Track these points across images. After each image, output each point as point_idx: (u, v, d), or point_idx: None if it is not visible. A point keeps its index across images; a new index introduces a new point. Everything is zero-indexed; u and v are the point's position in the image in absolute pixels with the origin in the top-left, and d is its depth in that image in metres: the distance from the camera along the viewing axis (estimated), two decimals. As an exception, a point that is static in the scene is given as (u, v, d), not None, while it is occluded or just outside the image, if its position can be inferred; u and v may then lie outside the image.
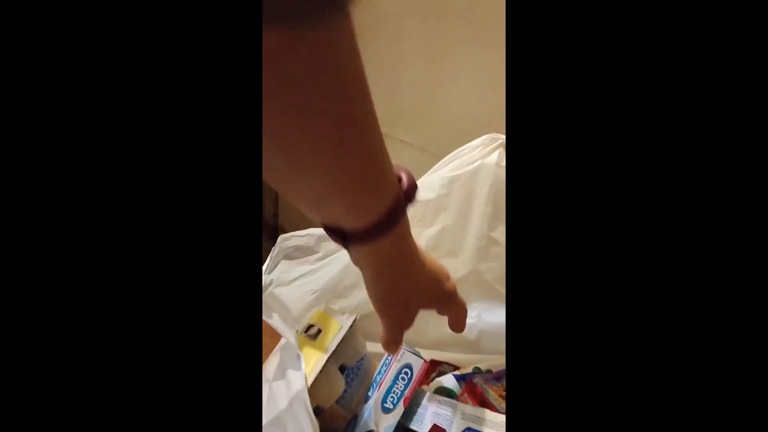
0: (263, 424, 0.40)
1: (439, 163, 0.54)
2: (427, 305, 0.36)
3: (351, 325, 0.49)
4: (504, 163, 0.52)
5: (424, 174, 0.55)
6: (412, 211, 0.29)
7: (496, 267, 0.55)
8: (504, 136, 0.53)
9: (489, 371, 0.56)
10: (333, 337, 0.48)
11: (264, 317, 0.42)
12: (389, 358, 0.49)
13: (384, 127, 0.25)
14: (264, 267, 0.48)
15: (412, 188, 0.29)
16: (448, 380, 0.53)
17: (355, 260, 0.32)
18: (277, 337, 0.45)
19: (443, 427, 0.44)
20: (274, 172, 0.25)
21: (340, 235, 0.29)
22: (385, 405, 0.46)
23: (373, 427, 0.45)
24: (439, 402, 0.46)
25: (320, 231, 0.49)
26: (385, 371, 0.49)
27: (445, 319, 0.39)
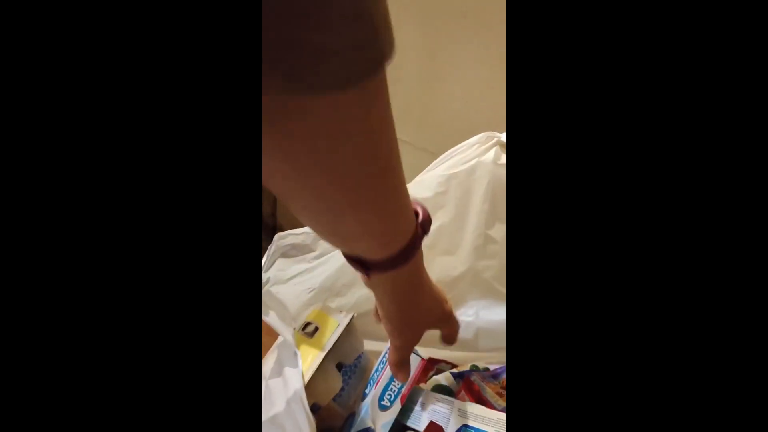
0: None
1: (436, 161, 0.55)
2: (433, 325, 0.41)
3: (348, 323, 0.49)
4: (501, 161, 0.52)
5: (421, 172, 0.55)
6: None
7: (493, 265, 0.55)
8: (500, 134, 0.53)
9: (486, 369, 0.56)
10: (330, 334, 0.48)
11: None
12: (386, 355, 0.49)
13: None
14: (261, 265, 0.48)
15: (427, 220, 0.33)
16: (446, 378, 0.53)
17: (373, 285, 0.34)
18: (274, 335, 0.46)
19: (440, 424, 0.44)
20: (310, 213, 0.27)
21: (361, 264, 0.31)
22: (382, 402, 0.46)
23: (370, 424, 0.45)
24: (436, 399, 0.46)
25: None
26: (382, 369, 0.49)
27: None
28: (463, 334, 0.54)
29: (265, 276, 0.47)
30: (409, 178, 0.56)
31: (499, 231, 0.54)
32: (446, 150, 0.55)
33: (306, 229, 0.49)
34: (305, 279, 0.50)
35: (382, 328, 0.55)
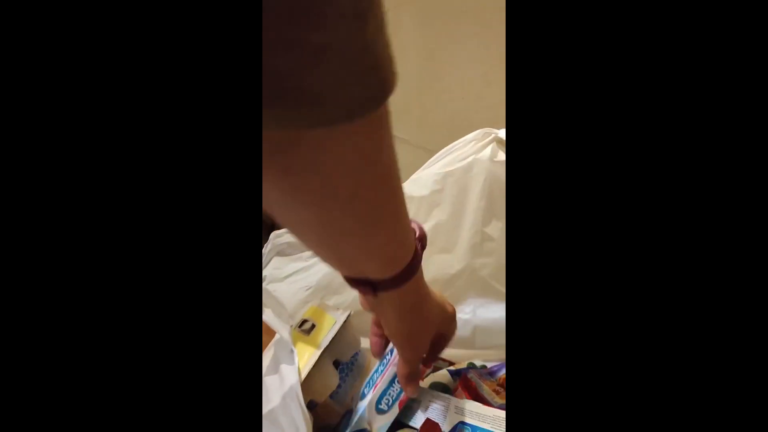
0: (257, 418, 0.41)
1: (432, 158, 0.55)
2: (438, 331, 0.41)
3: (345, 321, 0.49)
4: (497, 158, 0.52)
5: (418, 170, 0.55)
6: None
7: (490, 262, 0.55)
8: (497, 131, 0.53)
9: (483, 366, 0.56)
10: (327, 332, 0.48)
11: (257, 312, 0.43)
12: (387, 358, 0.49)
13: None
14: (257, 263, 0.48)
15: (423, 235, 0.34)
16: (443, 375, 0.53)
17: (377, 304, 0.35)
18: (270, 332, 0.46)
19: (436, 421, 0.44)
20: (315, 239, 0.28)
21: (367, 285, 0.32)
22: (380, 406, 0.46)
23: (366, 426, 0.45)
24: (433, 396, 0.46)
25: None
26: (382, 371, 0.49)
27: None
28: (460, 331, 0.54)
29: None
30: (406, 176, 0.56)
31: (496, 228, 0.54)
32: (443, 147, 0.55)
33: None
34: (302, 277, 0.50)
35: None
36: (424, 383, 0.52)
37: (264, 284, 0.47)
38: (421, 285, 0.36)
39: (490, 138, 0.53)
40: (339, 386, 0.48)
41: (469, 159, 0.52)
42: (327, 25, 0.18)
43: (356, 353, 0.52)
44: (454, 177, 0.53)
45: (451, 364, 0.57)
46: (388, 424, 0.44)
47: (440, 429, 0.44)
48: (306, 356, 0.46)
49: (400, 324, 0.37)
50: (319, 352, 0.46)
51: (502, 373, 0.54)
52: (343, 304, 0.52)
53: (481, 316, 0.56)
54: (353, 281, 0.33)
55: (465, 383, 0.51)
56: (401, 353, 0.40)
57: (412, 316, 0.36)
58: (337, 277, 0.55)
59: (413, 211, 0.54)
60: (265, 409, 0.40)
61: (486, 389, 0.50)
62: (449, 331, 0.44)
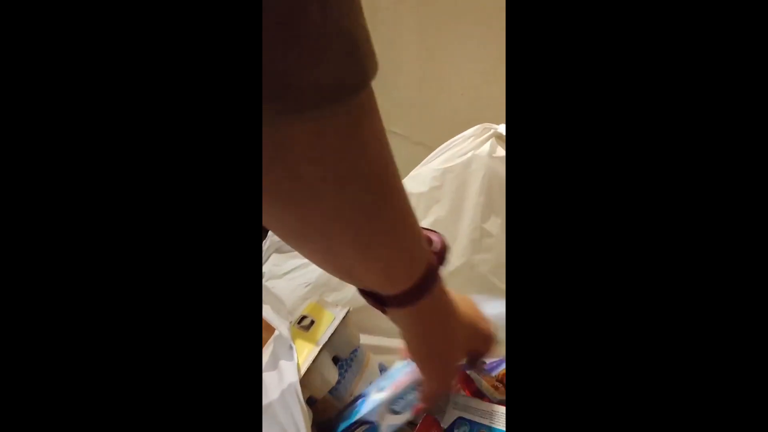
0: (256, 414, 0.41)
1: (431, 154, 0.55)
2: (468, 352, 0.38)
3: (344, 317, 0.49)
4: (496, 154, 0.52)
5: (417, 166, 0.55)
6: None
7: (489, 258, 0.55)
8: (496, 126, 0.53)
9: (483, 362, 0.56)
10: (326, 328, 0.48)
11: (256, 309, 0.43)
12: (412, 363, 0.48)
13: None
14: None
15: (444, 249, 0.30)
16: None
17: (393, 320, 0.32)
18: (269, 329, 0.46)
19: (436, 417, 0.44)
20: (305, 243, 0.25)
21: (376, 299, 0.29)
22: (394, 407, 0.45)
23: (375, 419, 0.45)
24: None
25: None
26: (403, 373, 0.47)
27: None
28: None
29: (260, 270, 0.47)
30: (405, 173, 0.56)
31: (495, 224, 0.54)
32: (442, 144, 0.55)
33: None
34: (301, 274, 0.50)
35: (378, 323, 0.55)
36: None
37: (263, 281, 0.47)
38: (441, 305, 0.31)
39: (490, 133, 0.53)
40: (338, 382, 0.48)
41: (468, 155, 0.52)
42: (293, 5, 0.16)
43: (355, 349, 0.52)
44: (453, 173, 0.53)
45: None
46: (398, 426, 0.44)
47: (439, 425, 0.44)
48: (305, 352, 0.46)
49: (416, 344, 0.33)
50: (318, 349, 0.46)
51: (502, 368, 0.54)
52: (342, 301, 0.52)
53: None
54: (361, 291, 0.30)
55: (464, 379, 0.51)
56: (423, 374, 0.36)
57: (430, 338, 0.32)
58: (337, 274, 0.55)
59: (412, 208, 0.54)
60: (264, 406, 0.40)
61: (485, 385, 0.51)
62: (484, 349, 0.40)
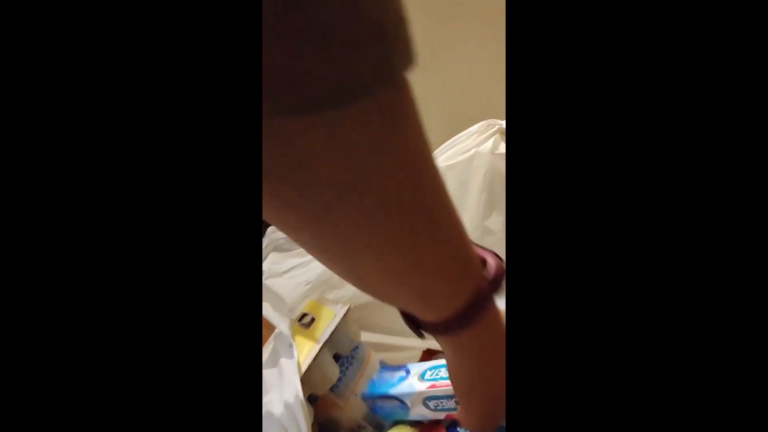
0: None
1: (435, 152, 0.54)
2: None
3: (345, 314, 0.49)
4: (498, 151, 0.52)
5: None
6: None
7: (491, 256, 0.55)
8: (501, 122, 0.52)
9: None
10: (327, 325, 0.48)
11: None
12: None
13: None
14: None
15: (500, 274, 0.25)
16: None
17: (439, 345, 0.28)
18: (269, 327, 0.46)
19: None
20: (329, 259, 0.22)
21: (414, 322, 0.25)
22: (428, 403, 0.44)
23: (409, 403, 0.45)
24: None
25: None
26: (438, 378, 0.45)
27: None
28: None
29: (260, 268, 0.47)
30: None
31: (496, 222, 0.54)
32: (445, 141, 0.55)
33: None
34: (301, 272, 0.50)
35: (379, 321, 0.55)
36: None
37: (262, 279, 0.47)
38: (491, 337, 0.25)
39: (495, 129, 0.52)
40: (339, 380, 0.48)
41: (471, 152, 0.52)
42: None
43: (356, 346, 0.52)
44: (455, 171, 0.53)
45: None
46: (426, 419, 0.44)
47: (444, 429, 0.44)
48: (306, 350, 0.46)
49: (457, 378, 0.28)
50: (319, 346, 0.46)
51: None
52: (343, 298, 0.51)
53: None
54: (402, 313, 0.26)
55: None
56: (461, 409, 0.31)
57: (473, 375, 0.27)
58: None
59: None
60: (264, 403, 0.40)
61: None
62: None
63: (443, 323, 0.24)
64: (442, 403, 0.43)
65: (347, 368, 0.50)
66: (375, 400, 0.48)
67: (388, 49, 0.16)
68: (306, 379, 0.43)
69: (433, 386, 0.43)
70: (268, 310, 0.42)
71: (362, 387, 0.50)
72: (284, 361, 0.41)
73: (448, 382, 0.43)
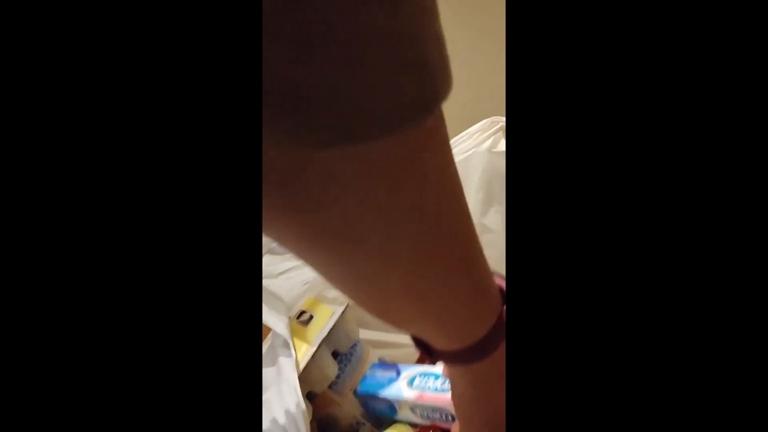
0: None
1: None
2: None
3: (343, 312, 0.50)
4: (496, 149, 0.52)
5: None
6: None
7: (489, 254, 0.55)
8: (503, 119, 0.52)
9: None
10: (325, 323, 0.48)
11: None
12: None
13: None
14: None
15: None
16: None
17: (445, 371, 0.27)
18: (267, 328, 0.46)
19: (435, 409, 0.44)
20: (342, 285, 0.22)
21: (426, 349, 0.25)
22: (414, 410, 0.45)
23: (397, 406, 0.45)
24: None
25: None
26: (440, 392, 0.44)
27: None
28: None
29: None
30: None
31: (494, 219, 0.54)
32: (451, 138, 0.55)
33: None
34: (297, 274, 0.50)
35: (378, 319, 0.55)
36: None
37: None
38: (500, 368, 0.25)
39: (497, 127, 0.52)
40: (338, 377, 0.49)
41: (470, 152, 0.52)
42: (337, 3, 0.12)
43: (355, 344, 0.52)
44: (454, 169, 0.53)
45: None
46: (412, 421, 0.45)
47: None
48: (304, 347, 0.46)
49: (467, 410, 0.28)
50: (317, 344, 0.46)
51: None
52: (341, 296, 0.52)
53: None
54: (413, 338, 0.25)
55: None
56: (459, 429, 0.30)
57: (487, 407, 0.26)
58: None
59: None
60: (263, 401, 0.41)
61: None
62: None
63: (459, 352, 0.24)
64: (427, 413, 0.44)
65: (345, 365, 0.50)
66: (366, 398, 0.48)
67: (432, 74, 0.15)
68: (304, 376, 0.44)
69: (420, 397, 0.44)
70: (264, 309, 0.43)
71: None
72: (282, 359, 0.42)
73: (437, 395, 0.43)
